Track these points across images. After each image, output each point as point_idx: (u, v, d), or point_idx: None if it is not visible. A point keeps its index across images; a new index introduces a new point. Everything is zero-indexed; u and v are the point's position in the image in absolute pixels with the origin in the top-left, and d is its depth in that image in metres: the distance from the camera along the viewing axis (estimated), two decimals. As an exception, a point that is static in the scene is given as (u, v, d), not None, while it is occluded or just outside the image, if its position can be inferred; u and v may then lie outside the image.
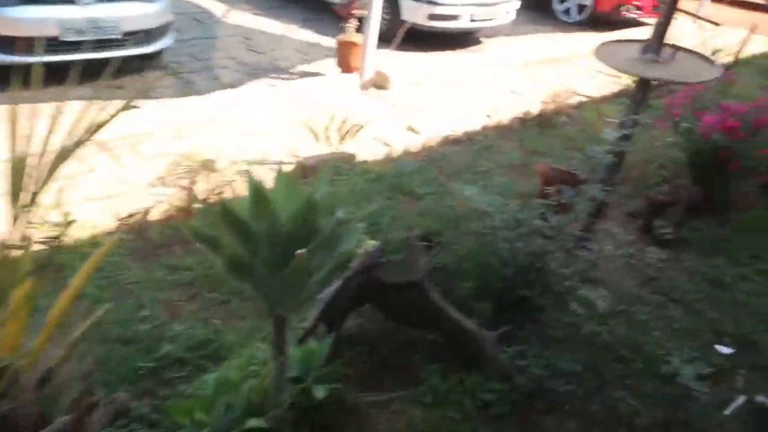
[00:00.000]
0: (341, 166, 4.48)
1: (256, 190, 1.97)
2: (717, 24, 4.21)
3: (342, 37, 6.02)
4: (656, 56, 3.42)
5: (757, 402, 2.95)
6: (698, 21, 9.49)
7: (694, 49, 3.71)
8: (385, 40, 7.48)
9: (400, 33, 5.78)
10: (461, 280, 3.25)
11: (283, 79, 5.97)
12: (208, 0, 8.36)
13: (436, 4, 7.08)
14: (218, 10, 8.03)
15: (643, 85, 3.50)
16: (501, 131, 5.58)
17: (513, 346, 2.78)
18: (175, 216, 3.59)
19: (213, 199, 3.67)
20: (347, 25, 5.96)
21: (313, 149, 4.43)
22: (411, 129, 5.19)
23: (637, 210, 4.54)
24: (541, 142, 5.46)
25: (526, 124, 5.74)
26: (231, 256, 1.90)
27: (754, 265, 4.04)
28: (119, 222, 3.52)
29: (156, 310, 2.99)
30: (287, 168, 4.35)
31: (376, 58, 5.83)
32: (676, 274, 3.88)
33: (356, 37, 5.87)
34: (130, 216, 3.58)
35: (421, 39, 7.58)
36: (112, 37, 5.09)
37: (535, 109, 5.92)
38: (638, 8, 9.10)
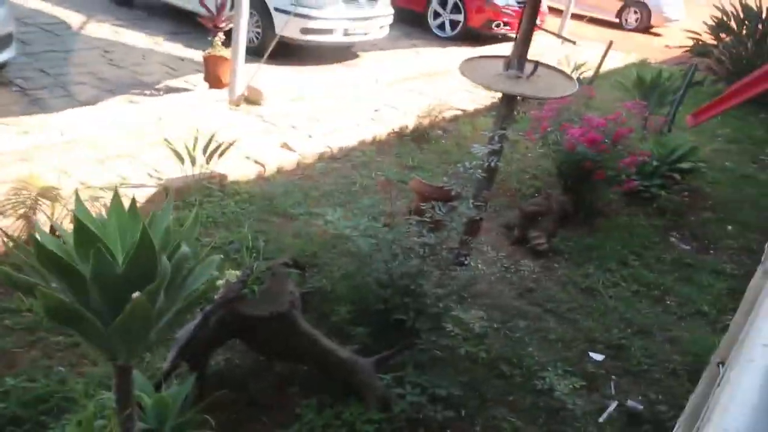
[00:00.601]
0: (210, 187, 4.21)
1: (80, 223, 1.70)
2: (574, 42, 4.36)
3: (209, 51, 5.72)
4: (518, 72, 3.45)
5: (628, 406, 3.02)
6: (558, 38, 10.04)
7: (553, 65, 3.80)
8: (258, 54, 7.23)
9: (270, 46, 5.57)
10: (336, 305, 3.11)
11: (146, 95, 5.57)
12: (63, 10, 7.73)
13: (309, 18, 6.93)
14: (75, 21, 7.43)
15: (508, 100, 3.53)
16: (378, 146, 5.52)
17: (391, 373, 2.66)
18: (11, 252, 3.16)
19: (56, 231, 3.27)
20: (215, 38, 5.67)
21: (179, 171, 4.12)
22: (285, 146, 5.00)
23: (512, 222, 4.62)
24: (417, 157, 5.45)
25: (402, 139, 5.72)
26: (49, 303, 1.62)
27: (621, 272, 4.21)
28: (-57, 261, 3.04)
29: (-15, 362, 2.59)
30: (148, 192, 4.02)
31: (247, 73, 5.59)
32: (550, 284, 3.95)
33: (224, 51, 5.60)
34: (-42, 254, 3.12)
35: (296, 53, 7.41)
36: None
37: (411, 124, 5.91)
38: (506, 24, 9.46)
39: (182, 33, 7.61)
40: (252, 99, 5.72)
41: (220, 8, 5.67)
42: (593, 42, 10.66)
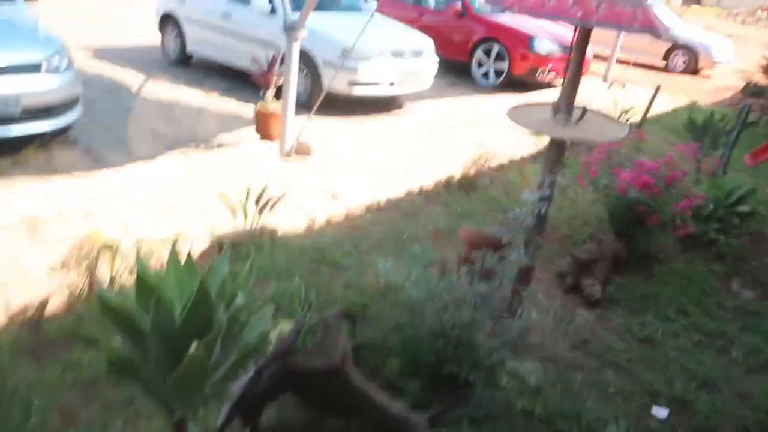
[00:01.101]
0: (261, 240, 4.28)
1: (140, 276, 1.75)
2: (623, 85, 4.32)
3: (260, 106, 5.91)
4: (566, 117, 3.44)
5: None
6: (607, 82, 9.99)
7: (601, 111, 3.77)
8: (306, 107, 7.46)
9: (318, 100, 5.72)
10: (388, 357, 3.07)
11: (200, 150, 5.77)
12: (125, 72, 8.15)
13: (356, 71, 7.11)
14: (135, 82, 7.82)
15: (557, 145, 3.51)
16: (425, 196, 5.54)
17: (445, 429, 2.60)
18: (75, 306, 3.27)
19: (117, 284, 3.38)
20: (266, 93, 5.86)
21: (231, 224, 4.22)
22: (334, 197, 5.07)
23: (564, 269, 4.53)
24: (466, 206, 5.44)
25: (450, 188, 5.73)
26: (111, 357, 1.66)
27: (680, 321, 4.05)
28: (11, 316, 3.17)
29: (47, 417, 2.64)
30: (203, 245, 4.12)
31: (297, 126, 5.74)
32: (606, 334, 3.82)
33: (275, 106, 5.78)
34: (25, 308, 3.24)
35: (344, 105, 7.59)
36: (11, 113, 4.77)
37: (458, 172, 5.93)
38: (551, 71, 9.49)
39: (235, 89, 7.90)
40: (301, 151, 5.85)
41: (271, 65, 5.88)
42: (640, 86, 10.59)
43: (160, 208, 4.48)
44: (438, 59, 8.19)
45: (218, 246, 4.14)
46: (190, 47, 8.61)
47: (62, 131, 5.50)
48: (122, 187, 4.61)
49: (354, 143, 6.34)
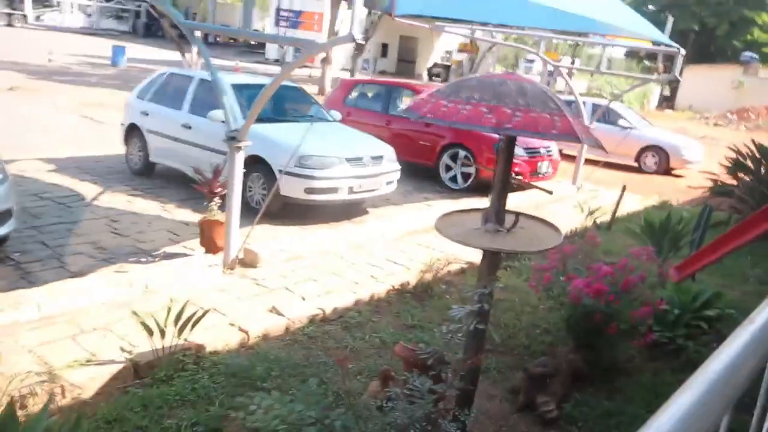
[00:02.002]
0: (184, 360, 3.93)
1: None
2: (551, 192, 4.17)
3: (205, 216, 5.72)
4: (496, 225, 3.23)
5: None
6: (576, 184, 9.95)
7: (536, 216, 3.58)
8: (264, 215, 7.30)
9: (261, 210, 5.54)
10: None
11: (142, 263, 5.51)
12: (81, 183, 8.04)
13: (313, 178, 7.02)
14: (91, 192, 7.69)
15: (490, 256, 3.28)
16: (376, 305, 5.24)
17: None
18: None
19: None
20: (211, 203, 5.69)
21: (152, 344, 3.88)
22: (274, 310, 4.76)
23: (518, 385, 4.17)
24: (418, 315, 5.13)
25: (403, 296, 5.44)
26: None
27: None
28: None
29: None
30: (116, 369, 3.76)
31: (242, 237, 5.52)
32: (559, 462, 3.42)
33: (220, 215, 5.58)
34: None
35: (304, 213, 7.44)
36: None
37: (414, 279, 5.66)
38: (518, 174, 9.47)
39: (194, 199, 7.73)
40: (248, 262, 5.61)
41: (215, 174, 5.75)
42: (612, 187, 10.58)
43: (78, 330, 4.14)
44: (399, 166, 8.13)
45: (132, 369, 3.79)
46: (153, 157, 8.57)
47: (-2, 245, 5.27)
48: (39, 308, 4.29)
49: (307, 252, 6.10)
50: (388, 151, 7.95)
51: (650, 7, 42.92)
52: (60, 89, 18.00)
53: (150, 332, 3.75)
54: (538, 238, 3.27)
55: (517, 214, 3.31)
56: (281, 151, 7.07)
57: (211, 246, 5.63)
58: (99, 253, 5.73)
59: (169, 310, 3.89)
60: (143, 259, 5.58)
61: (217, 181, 5.64)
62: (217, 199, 5.64)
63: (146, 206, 7.38)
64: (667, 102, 36.74)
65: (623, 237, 7.46)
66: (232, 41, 45.58)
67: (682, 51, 8.51)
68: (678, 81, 12.38)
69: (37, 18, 44.63)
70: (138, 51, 30.04)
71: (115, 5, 44.39)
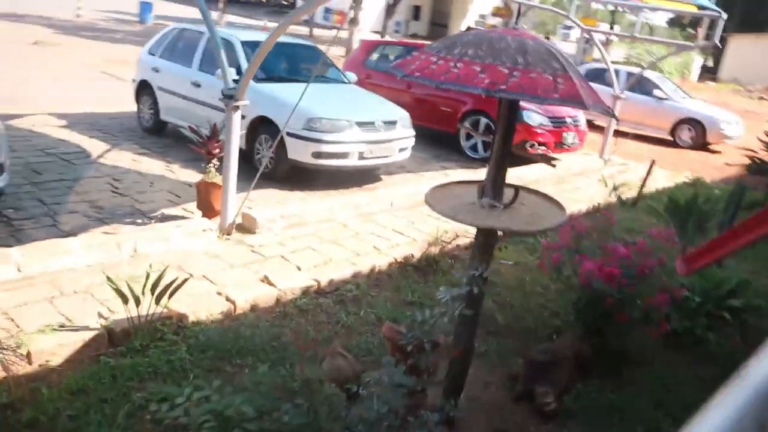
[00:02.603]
0: (163, 329, 3.73)
1: None
2: (553, 165, 3.81)
3: (202, 178, 5.48)
4: (493, 200, 2.91)
5: None
6: (604, 156, 9.48)
7: (541, 191, 3.23)
8: (271, 179, 7.06)
9: (258, 173, 5.26)
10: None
11: (137, 224, 5.32)
12: (89, 140, 7.87)
13: (321, 142, 6.71)
14: (98, 150, 7.51)
15: (484, 235, 2.96)
16: (376, 279, 4.98)
17: None
18: None
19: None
20: (209, 165, 5.44)
21: (129, 312, 3.68)
22: (266, 280, 4.53)
23: (517, 372, 3.88)
24: (419, 290, 4.85)
25: (405, 270, 5.16)
26: None
27: (647, 443, 3.35)
28: None
29: None
30: (90, 335, 3.57)
31: (240, 200, 5.27)
32: (553, 461, 3.14)
33: (218, 178, 5.34)
34: None
35: (313, 178, 7.16)
36: None
37: (418, 252, 5.37)
38: (541, 144, 9.02)
39: (200, 160, 7.52)
40: (246, 227, 5.37)
41: (213, 134, 5.48)
42: (642, 161, 10.05)
43: (58, 292, 3.97)
44: (413, 132, 7.76)
45: (106, 337, 3.60)
46: (163, 115, 8.35)
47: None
48: (20, 268, 4.12)
49: (311, 219, 5.83)
50: (403, 117, 7.58)
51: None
52: (84, 45, 17.91)
53: (125, 299, 3.54)
54: (538, 216, 2.94)
55: (517, 189, 2.98)
56: (289, 113, 6.76)
57: (208, 209, 5.41)
58: (95, 212, 5.55)
59: (148, 276, 3.68)
60: (139, 221, 5.39)
61: (216, 142, 5.37)
62: (215, 161, 5.38)
63: (151, 165, 7.18)
64: (710, 73, 35.23)
65: (648, 215, 7.03)
66: (263, 0, 45.01)
67: (724, 15, 7.90)
68: (718, 48, 11.65)
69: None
70: (166, 7, 29.75)
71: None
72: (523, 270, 5.55)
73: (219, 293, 4.25)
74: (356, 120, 6.96)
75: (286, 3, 43.96)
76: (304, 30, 29.71)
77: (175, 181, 6.73)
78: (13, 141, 7.27)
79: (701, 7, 9.93)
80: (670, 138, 13.85)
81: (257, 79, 7.37)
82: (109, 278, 3.60)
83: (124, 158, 7.34)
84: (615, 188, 7.32)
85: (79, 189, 6.09)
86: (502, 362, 4.08)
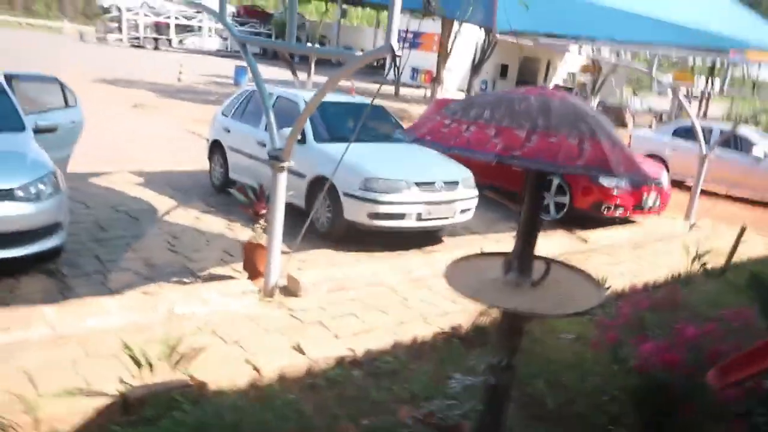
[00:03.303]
0: (178, 399, 3.58)
1: None
2: (585, 241, 3.41)
3: (249, 238, 5.43)
4: (519, 277, 2.58)
5: None
6: (689, 220, 8.74)
7: (575, 266, 2.86)
8: (328, 239, 6.95)
9: (303, 231, 5.12)
10: None
11: (183, 283, 5.31)
12: (160, 197, 8.12)
13: (378, 202, 6.56)
14: (165, 207, 7.72)
15: (509, 317, 2.63)
16: (417, 350, 4.65)
17: None
18: None
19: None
20: (256, 226, 5.39)
21: (144, 379, 3.57)
22: (297, 348, 4.32)
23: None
24: (463, 364, 4.47)
25: (451, 342, 4.81)
26: None
27: None
28: None
29: None
30: (105, 402, 3.47)
31: (285, 262, 5.16)
32: None
33: (264, 239, 5.26)
34: None
35: (371, 239, 6.99)
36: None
37: (467, 323, 5.01)
38: (618, 206, 8.46)
39: (262, 218, 7.58)
40: (290, 290, 5.24)
41: (260, 194, 5.45)
42: (733, 225, 9.20)
43: (85, 353, 3.93)
44: (477, 192, 7.47)
45: (121, 405, 3.49)
46: (232, 174, 8.54)
47: (50, 257, 5.27)
48: (54, 328, 4.14)
49: (358, 282, 5.63)
50: (466, 176, 7.32)
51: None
52: (179, 106, 18.98)
53: (138, 365, 3.43)
54: (570, 296, 2.58)
55: (548, 264, 2.64)
56: (348, 173, 6.70)
57: (253, 271, 5.33)
58: (146, 270, 5.61)
59: (167, 342, 3.57)
60: (186, 280, 5.38)
61: (263, 202, 5.33)
62: (263, 221, 5.33)
63: (213, 224, 7.28)
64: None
65: (737, 289, 6.30)
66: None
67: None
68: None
69: (180, 42, 48.43)
70: (263, 71, 31.28)
71: (248, 29, 46.89)
72: (586, 346, 5.04)
73: (247, 361, 4.08)
74: (415, 180, 6.78)
75: (375, 64, 45.34)
76: (390, 89, 30.36)
77: (232, 240, 6.75)
78: (89, 198, 7.65)
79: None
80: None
81: (320, 140, 7.41)
82: (125, 343, 3.51)
83: (189, 216, 7.49)
84: (698, 256, 6.66)
85: (137, 246, 6.22)
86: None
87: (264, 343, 4.37)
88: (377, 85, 5.37)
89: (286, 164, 4.90)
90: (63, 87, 7.25)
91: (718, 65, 27.33)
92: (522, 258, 2.62)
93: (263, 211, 5.31)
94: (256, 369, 4.00)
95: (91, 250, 5.97)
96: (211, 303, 4.74)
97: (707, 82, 27.35)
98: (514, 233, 7.14)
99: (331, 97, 8.58)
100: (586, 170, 2.17)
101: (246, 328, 4.55)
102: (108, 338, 4.14)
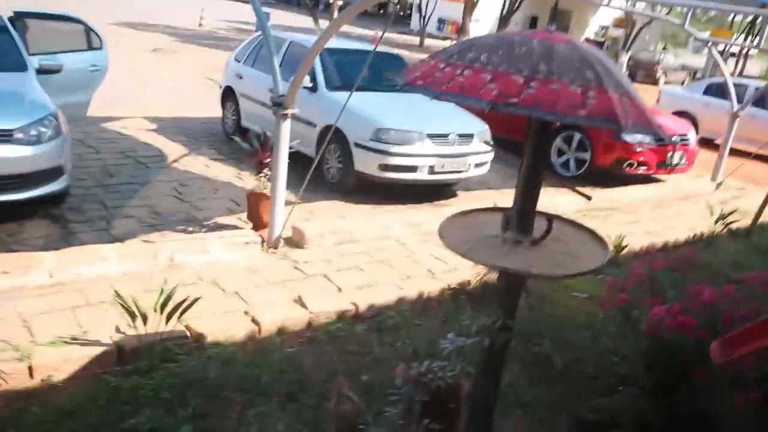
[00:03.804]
0: (173, 349, 3.52)
1: None
2: (589, 198, 3.21)
3: (252, 188, 5.30)
4: (517, 234, 2.41)
5: None
6: (716, 180, 8.43)
7: (581, 223, 2.68)
8: (338, 191, 6.82)
9: (305, 183, 4.93)
10: None
11: (187, 232, 5.21)
12: (171, 144, 8.01)
13: (389, 154, 6.36)
14: (175, 154, 7.61)
15: (507, 277, 2.47)
16: (422, 306, 4.55)
17: None
18: None
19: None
20: (260, 175, 5.26)
21: (138, 330, 3.51)
22: (299, 301, 4.23)
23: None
24: (469, 321, 4.35)
25: (458, 298, 4.68)
26: None
27: None
28: None
29: None
30: (99, 350, 3.42)
31: (291, 212, 5.03)
32: None
33: (268, 189, 5.13)
34: None
35: (382, 191, 6.82)
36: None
37: (476, 279, 4.87)
38: (641, 164, 8.15)
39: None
40: (295, 241, 5.13)
41: (264, 142, 5.29)
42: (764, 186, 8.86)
43: (83, 301, 3.88)
44: (491, 147, 7.21)
45: (115, 353, 3.44)
46: (244, 121, 8.39)
47: (52, 202, 5.21)
48: (51, 274, 4.08)
49: (365, 235, 5.50)
50: (482, 130, 7.07)
51: None
52: (199, 52, 18.73)
53: (132, 316, 3.36)
54: (573, 256, 2.40)
55: (550, 221, 2.46)
56: (359, 123, 6.50)
57: (257, 221, 5.22)
58: (151, 218, 5.53)
59: (162, 291, 3.49)
60: (190, 229, 5.28)
61: (267, 151, 5.17)
62: (267, 171, 5.19)
63: (222, 172, 7.17)
64: None
65: (763, 251, 6.07)
66: (382, 12, 45.54)
67: None
68: None
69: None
70: (282, 17, 30.78)
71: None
72: (597, 304, 4.89)
73: (246, 313, 4.00)
74: (428, 132, 6.56)
75: (402, 14, 44.31)
76: (415, 40, 29.67)
77: (240, 189, 6.62)
78: (99, 142, 7.56)
79: None
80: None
81: (332, 88, 7.18)
82: (117, 292, 3.43)
83: (198, 163, 7.38)
84: (723, 216, 6.39)
85: (143, 193, 6.13)
86: (551, 415, 3.52)
87: (265, 295, 4.28)
88: (404, 36, 5.11)
89: (289, 111, 4.72)
90: (88, 28, 6.99)
91: (759, 21, 26.13)
92: (522, 214, 2.44)
93: (267, 160, 5.16)
94: (255, 321, 3.92)
95: (96, 195, 5.90)
96: (212, 253, 4.65)
97: (746, 38, 26.19)
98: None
99: (345, 45, 8.32)
100: (589, 120, 1.95)
101: (247, 280, 4.46)
102: (107, 287, 4.09)
